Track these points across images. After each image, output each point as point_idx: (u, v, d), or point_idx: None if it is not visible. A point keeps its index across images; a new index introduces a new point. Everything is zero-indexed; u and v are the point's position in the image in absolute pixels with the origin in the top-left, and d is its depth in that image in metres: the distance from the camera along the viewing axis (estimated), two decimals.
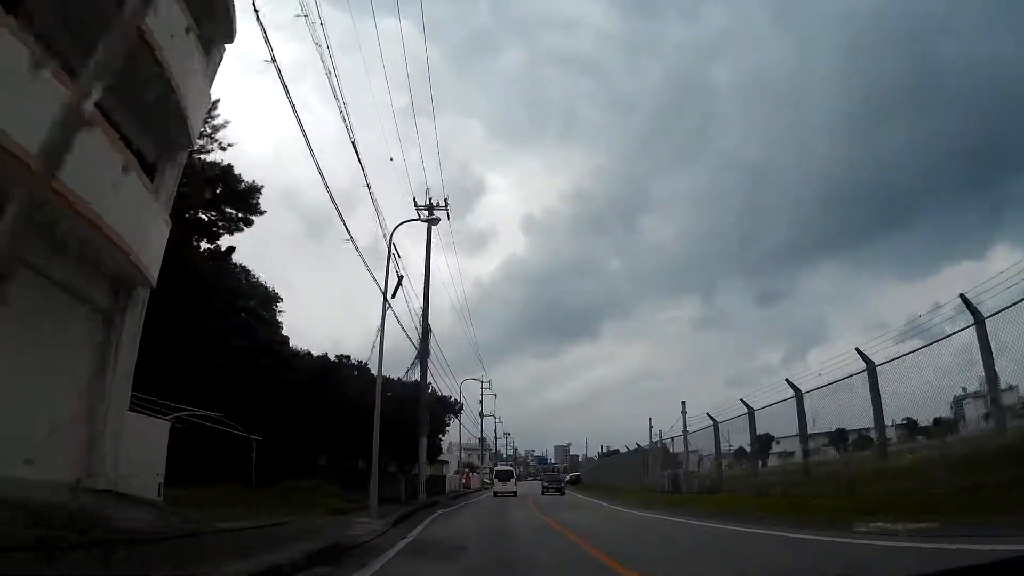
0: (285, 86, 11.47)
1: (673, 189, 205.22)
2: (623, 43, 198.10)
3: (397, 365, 62.06)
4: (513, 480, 39.64)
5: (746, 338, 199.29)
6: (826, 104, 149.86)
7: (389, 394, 21.85)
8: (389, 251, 18.85)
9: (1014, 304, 9.10)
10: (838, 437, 16.26)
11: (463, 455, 70.86)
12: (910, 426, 13.60)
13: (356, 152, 15.35)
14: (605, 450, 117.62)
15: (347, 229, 34.54)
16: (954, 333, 10.76)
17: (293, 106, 15.78)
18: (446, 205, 25.64)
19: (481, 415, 60.63)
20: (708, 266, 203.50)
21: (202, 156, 23.92)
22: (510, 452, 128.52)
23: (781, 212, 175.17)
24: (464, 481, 52.44)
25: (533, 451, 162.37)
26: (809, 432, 15.89)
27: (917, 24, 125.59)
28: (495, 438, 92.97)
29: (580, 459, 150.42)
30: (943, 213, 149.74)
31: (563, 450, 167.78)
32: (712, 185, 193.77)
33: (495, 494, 36.34)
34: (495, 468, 51.45)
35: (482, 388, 61.47)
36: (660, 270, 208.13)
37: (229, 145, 25.13)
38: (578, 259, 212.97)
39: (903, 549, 6.63)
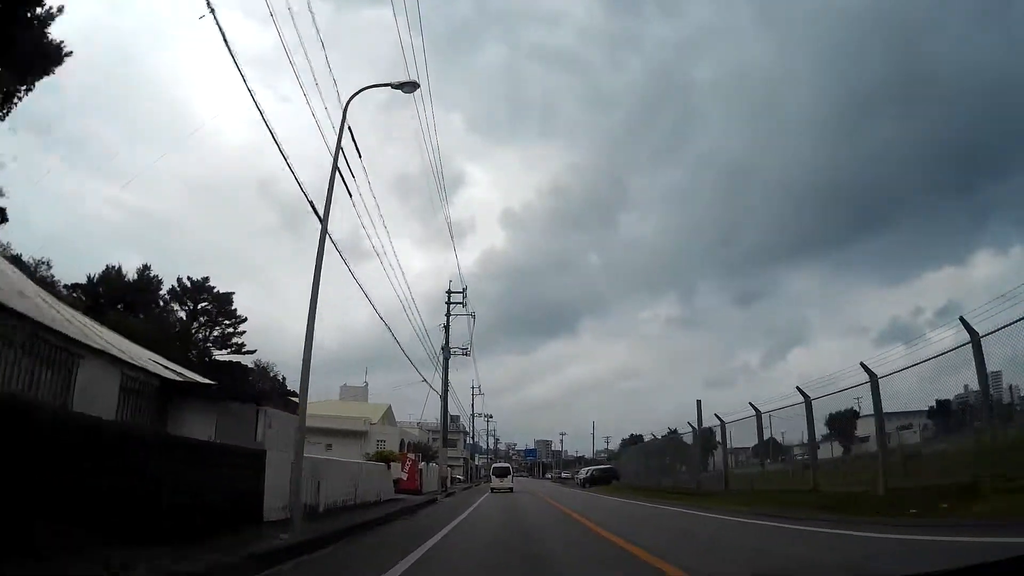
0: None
1: (653, 186, 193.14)
2: (605, 38, 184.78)
3: None
4: (510, 477, 40.48)
5: (725, 338, 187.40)
6: (808, 103, 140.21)
7: None
8: None
9: None
10: None
11: (424, 431, 42.27)
12: None
13: None
14: (628, 438, 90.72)
15: None
16: None
17: None
18: None
19: (445, 347, 31.01)
20: (688, 265, 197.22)
21: None
22: (490, 443, 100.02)
23: (761, 212, 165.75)
24: (407, 477, 23.93)
25: (515, 444, 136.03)
26: None
27: (902, 24, 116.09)
28: (471, 416, 64.00)
29: (563, 456, 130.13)
30: (925, 217, 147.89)
31: (545, 445, 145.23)
32: (692, 183, 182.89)
33: (492, 490, 35.61)
34: (492, 465, 52.84)
35: (449, 299, 32.17)
36: (639, 268, 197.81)
37: None
38: (557, 255, 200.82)
39: None
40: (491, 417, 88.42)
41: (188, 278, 58.57)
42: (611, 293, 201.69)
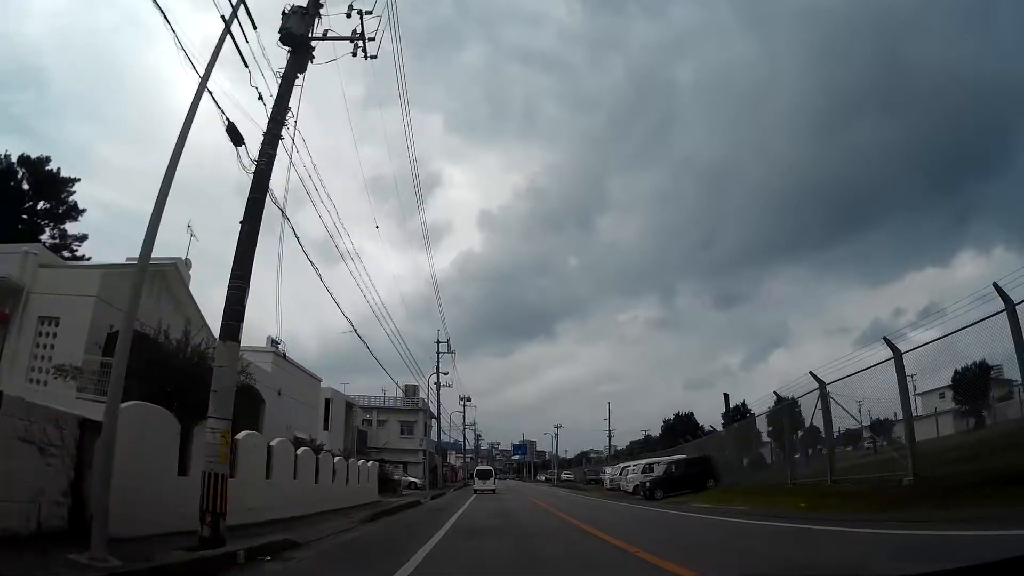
0: None
1: (633, 187, 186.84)
2: (586, 39, 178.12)
3: None
4: (492, 479, 41.80)
5: (707, 340, 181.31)
6: (791, 105, 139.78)
7: None
8: None
9: None
10: None
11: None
12: None
13: None
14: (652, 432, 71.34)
15: None
16: None
17: None
18: None
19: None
20: (668, 267, 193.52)
21: None
22: (468, 436, 79.38)
23: (743, 213, 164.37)
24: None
25: (498, 443, 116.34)
26: None
27: (886, 25, 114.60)
28: (436, 391, 43.15)
29: (547, 455, 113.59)
30: (908, 218, 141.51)
31: (529, 445, 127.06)
32: (673, 184, 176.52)
33: (475, 492, 37.46)
34: (476, 468, 51.20)
35: None
36: (619, 270, 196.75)
37: None
38: (536, 257, 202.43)
39: None
40: (469, 400, 67.63)
41: (24, 156, 37.36)
42: (591, 295, 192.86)
